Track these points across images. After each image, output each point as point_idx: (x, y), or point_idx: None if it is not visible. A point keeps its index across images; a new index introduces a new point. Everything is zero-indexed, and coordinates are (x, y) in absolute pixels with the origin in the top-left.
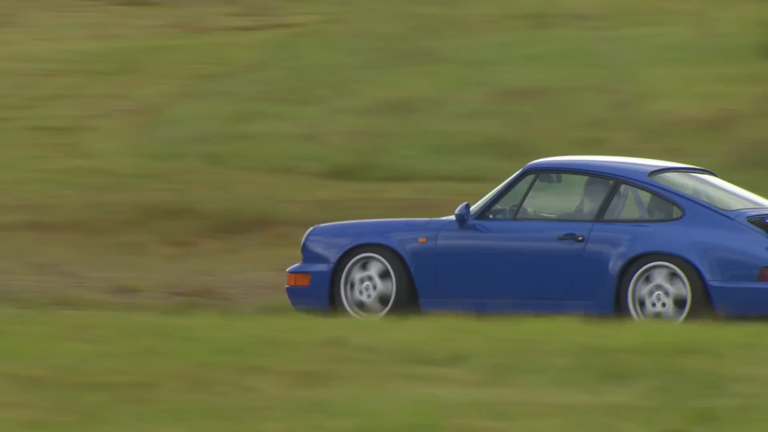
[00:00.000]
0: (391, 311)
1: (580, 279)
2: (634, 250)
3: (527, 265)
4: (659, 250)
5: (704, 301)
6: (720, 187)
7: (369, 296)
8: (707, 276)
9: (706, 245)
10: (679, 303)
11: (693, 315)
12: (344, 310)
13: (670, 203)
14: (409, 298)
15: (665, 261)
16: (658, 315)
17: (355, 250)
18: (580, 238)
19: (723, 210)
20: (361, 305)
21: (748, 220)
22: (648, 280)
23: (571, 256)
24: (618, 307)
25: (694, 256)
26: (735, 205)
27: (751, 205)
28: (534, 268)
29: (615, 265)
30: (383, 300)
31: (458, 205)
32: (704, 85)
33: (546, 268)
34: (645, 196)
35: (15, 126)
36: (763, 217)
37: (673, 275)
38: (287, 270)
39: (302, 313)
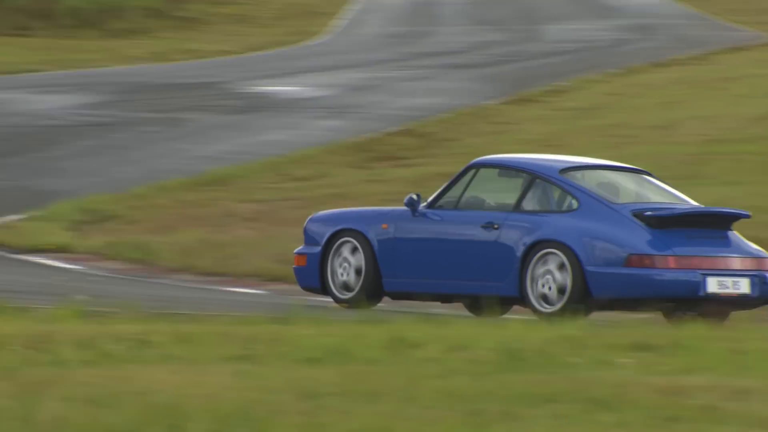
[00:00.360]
0: (362, 290)
1: (494, 263)
2: (532, 238)
3: (458, 250)
4: (551, 238)
5: (583, 285)
6: (645, 185)
7: (347, 276)
8: (584, 261)
9: (588, 234)
10: (564, 286)
11: (573, 298)
12: (330, 288)
13: (571, 196)
14: (377, 278)
15: (554, 248)
16: (545, 297)
17: (338, 234)
18: (496, 226)
19: (612, 203)
20: (343, 285)
21: (632, 213)
22: (542, 264)
23: (488, 242)
24: (522, 290)
25: (576, 243)
26: (628, 199)
27: (667, 200)
28: (462, 252)
29: (518, 251)
30: (357, 279)
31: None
32: None
33: (471, 253)
34: (554, 190)
35: None
36: (644, 210)
37: (559, 260)
38: (294, 251)
39: (308, 292)
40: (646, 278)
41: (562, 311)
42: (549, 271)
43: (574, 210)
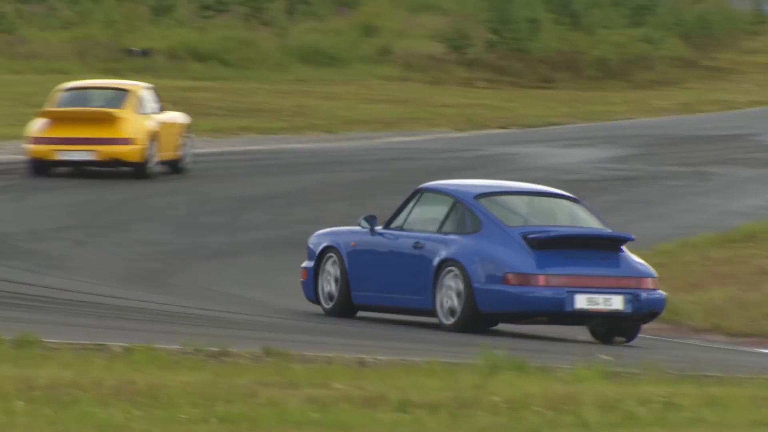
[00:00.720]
0: (338, 301)
1: (418, 279)
2: (441, 256)
3: (395, 266)
4: (453, 257)
5: (471, 300)
6: (577, 210)
7: (329, 288)
8: (472, 279)
9: (479, 254)
10: (459, 301)
11: (466, 312)
12: (320, 299)
13: (478, 220)
14: (348, 291)
15: (453, 266)
16: (446, 310)
17: (324, 251)
18: (421, 245)
19: (507, 226)
20: (327, 296)
21: (522, 235)
22: (447, 280)
23: (414, 259)
24: (433, 303)
25: (468, 262)
26: (565, 222)
27: (595, 225)
28: (398, 269)
29: (432, 268)
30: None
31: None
32: None
33: (404, 269)
34: (468, 214)
35: None
36: (528, 233)
37: (457, 278)
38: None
39: (312, 303)
40: (518, 294)
41: (458, 323)
42: (450, 287)
43: (477, 232)
